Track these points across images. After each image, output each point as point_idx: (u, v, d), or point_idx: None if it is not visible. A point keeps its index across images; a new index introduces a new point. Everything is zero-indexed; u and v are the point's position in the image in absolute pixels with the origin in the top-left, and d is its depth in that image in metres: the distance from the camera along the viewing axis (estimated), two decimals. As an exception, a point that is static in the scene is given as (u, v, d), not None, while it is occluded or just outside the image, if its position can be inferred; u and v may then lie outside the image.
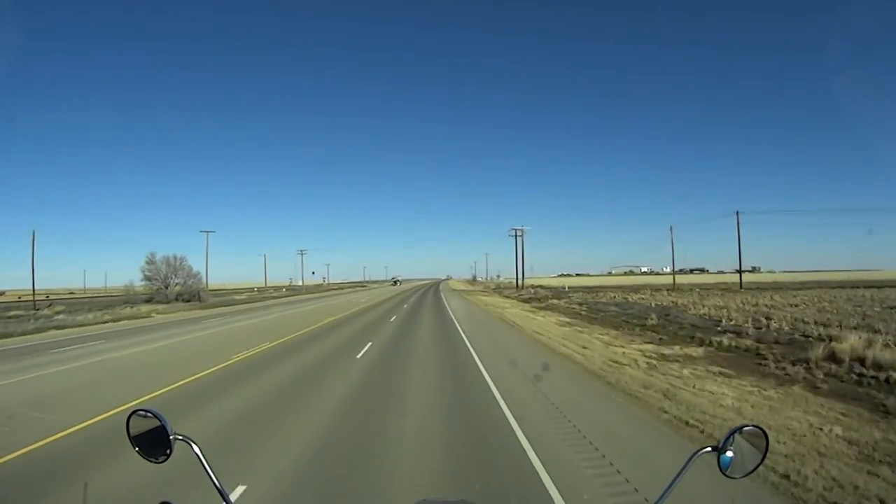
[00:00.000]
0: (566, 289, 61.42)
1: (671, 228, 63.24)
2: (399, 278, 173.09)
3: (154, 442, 1.70)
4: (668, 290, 55.25)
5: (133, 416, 1.74)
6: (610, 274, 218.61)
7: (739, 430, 1.63)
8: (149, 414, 1.72)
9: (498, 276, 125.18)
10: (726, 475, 1.63)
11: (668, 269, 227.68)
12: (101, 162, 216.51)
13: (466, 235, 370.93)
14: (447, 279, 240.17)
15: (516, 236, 64.61)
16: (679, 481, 1.58)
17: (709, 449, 1.63)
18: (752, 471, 1.64)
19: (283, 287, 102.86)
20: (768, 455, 1.69)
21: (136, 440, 1.72)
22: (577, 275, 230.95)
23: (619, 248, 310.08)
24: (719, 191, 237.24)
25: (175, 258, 62.91)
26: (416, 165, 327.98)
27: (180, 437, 1.67)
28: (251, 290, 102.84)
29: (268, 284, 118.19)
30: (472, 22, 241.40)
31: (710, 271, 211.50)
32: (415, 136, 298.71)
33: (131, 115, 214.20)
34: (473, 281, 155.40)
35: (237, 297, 73.85)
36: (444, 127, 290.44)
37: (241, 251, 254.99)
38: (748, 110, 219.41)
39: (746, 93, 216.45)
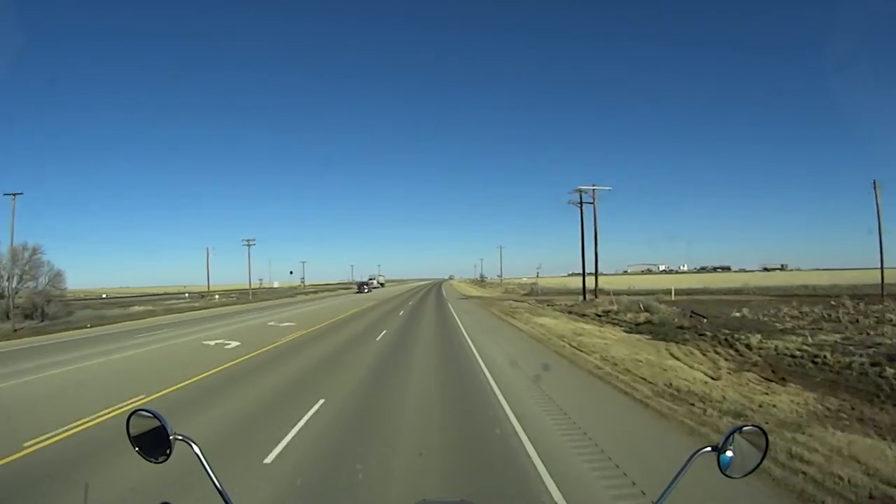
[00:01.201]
0: (671, 296, 35.59)
1: (874, 184, 34.93)
2: (379, 279, 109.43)
3: (154, 442, 1.67)
4: (858, 297, 30.20)
5: (133, 416, 1.71)
6: (626, 273, 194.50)
7: (739, 429, 1.59)
8: (149, 414, 1.69)
9: (537, 274, 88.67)
10: (726, 475, 1.59)
11: (685, 268, 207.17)
12: (97, 162, 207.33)
13: (467, 234, 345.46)
14: (450, 279, 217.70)
15: (581, 202, 35.58)
16: (679, 481, 1.55)
17: (708, 449, 1.59)
18: (752, 470, 1.59)
19: (215, 294, 76.20)
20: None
21: (136, 440, 1.69)
22: (590, 274, 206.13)
23: (623, 246, 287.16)
24: (726, 190, 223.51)
25: (24, 248, 37.45)
26: (412, 165, 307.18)
27: (180, 437, 1.63)
28: (183, 294, 77.91)
29: (230, 286, 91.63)
30: (472, 22, 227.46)
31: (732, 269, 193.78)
32: (410, 135, 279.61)
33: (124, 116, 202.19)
34: (482, 282, 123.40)
35: (138, 308, 48.57)
36: (443, 126, 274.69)
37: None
38: (748, 109, 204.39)
39: (747, 92, 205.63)
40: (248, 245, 73.99)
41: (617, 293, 37.41)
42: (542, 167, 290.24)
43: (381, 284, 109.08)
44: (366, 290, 73.46)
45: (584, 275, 38.23)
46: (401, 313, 29.47)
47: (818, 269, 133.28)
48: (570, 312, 28.18)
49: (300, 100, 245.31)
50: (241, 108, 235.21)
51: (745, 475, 1.58)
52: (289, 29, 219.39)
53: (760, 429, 1.59)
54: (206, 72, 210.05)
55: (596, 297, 35.23)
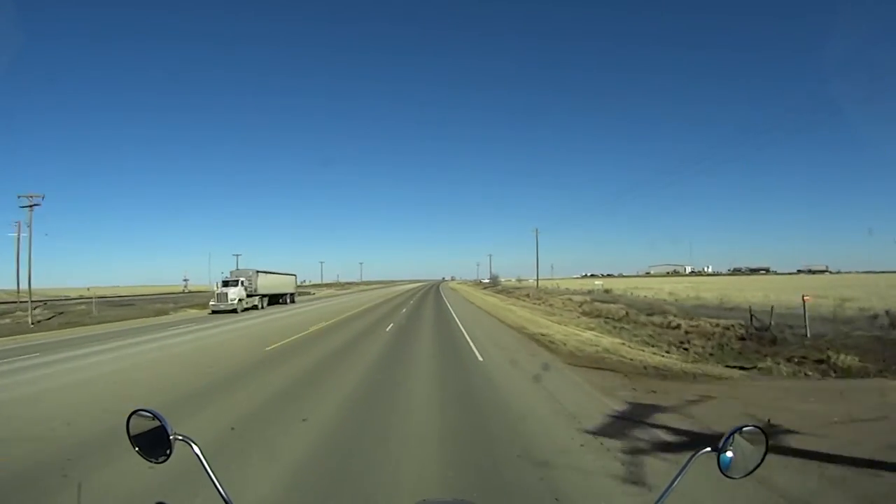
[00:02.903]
0: None
1: None
2: (256, 282, 36.32)
3: (154, 442, 1.65)
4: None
5: (133, 416, 1.69)
6: (648, 274, 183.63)
7: (739, 429, 1.59)
8: (149, 414, 1.67)
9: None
10: (726, 475, 1.58)
11: (710, 269, 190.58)
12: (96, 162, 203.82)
13: (468, 235, 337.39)
14: (450, 280, 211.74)
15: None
16: (679, 481, 1.54)
17: (708, 449, 1.58)
18: (753, 471, 1.59)
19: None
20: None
21: (135, 440, 1.67)
22: (606, 275, 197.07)
23: (630, 248, 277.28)
24: (734, 190, 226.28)
25: None
26: (411, 165, 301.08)
27: (180, 438, 1.62)
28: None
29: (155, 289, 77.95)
30: (471, 22, 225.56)
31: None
32: (408, 135, 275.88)
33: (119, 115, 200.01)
34: (494, 284, 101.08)
35: None
36: (444, 125, 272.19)
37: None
38: (749, 112, 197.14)
39: (747, 94, 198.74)
40: (31, 206, 32.59)
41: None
42: (543, 167, 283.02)
43: (259, 301, 37.31)
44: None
45: None
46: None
47: (870, 272, 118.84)
48: None
49: (300, 100, 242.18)
50: (241, 108, 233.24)
51: (746, 475, 1.58)
52: (288, 29, 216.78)
53: (760, 429, 1.60)
54: (205, 72, 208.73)
55: None
